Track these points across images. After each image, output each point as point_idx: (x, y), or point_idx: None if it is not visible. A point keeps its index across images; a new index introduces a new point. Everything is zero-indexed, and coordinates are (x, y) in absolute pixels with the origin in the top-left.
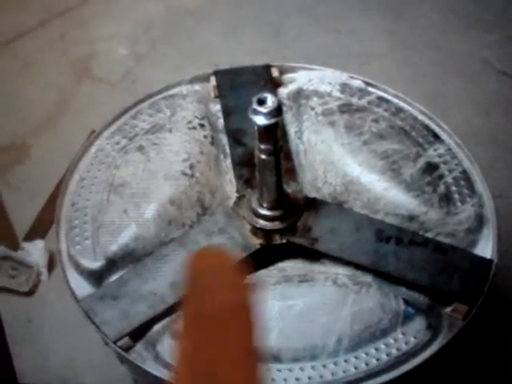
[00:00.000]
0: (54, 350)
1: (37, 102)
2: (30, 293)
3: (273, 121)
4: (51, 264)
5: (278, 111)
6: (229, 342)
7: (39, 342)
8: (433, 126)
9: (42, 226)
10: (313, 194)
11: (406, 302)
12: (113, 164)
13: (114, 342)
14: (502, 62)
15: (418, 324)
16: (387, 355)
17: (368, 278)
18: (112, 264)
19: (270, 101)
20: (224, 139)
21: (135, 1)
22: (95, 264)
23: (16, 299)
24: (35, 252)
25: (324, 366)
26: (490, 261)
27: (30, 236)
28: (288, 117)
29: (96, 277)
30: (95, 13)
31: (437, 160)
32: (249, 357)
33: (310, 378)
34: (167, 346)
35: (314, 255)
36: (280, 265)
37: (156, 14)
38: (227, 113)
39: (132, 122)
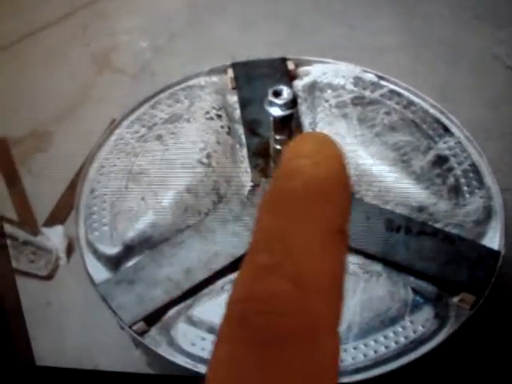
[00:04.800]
0: (71, 332)
1: (59, 91)
2: (48, 277)
3: (288, 112)
4: (70, 249)
5: (293, 103)
6: (313, 220)
7: (57, 325)
8: (443, 119)
9: (62, 212)
10: None
11: (415, 291)
12: (132, 152)
13: (130, 327)
14: (511, 58)
15: (426, 313)
16: (396, 343)
17: (378, 267)
18: (129, 250)
19: (286, 93)
20: (240, 129)
21: None
22: (112, 250)
23: (35, 283)
24: (54, 237)
25: None
26: (497, 252)
27: (50, 222)
28: (303, 108)
29: (113, 262)
30: (117, 6)
31: (447, 153)
32: (333, 239)
33: None
34: (181, 331)
35: None
36: None
37: (175, 8)
38: (244, 104)
39: (151, 112)
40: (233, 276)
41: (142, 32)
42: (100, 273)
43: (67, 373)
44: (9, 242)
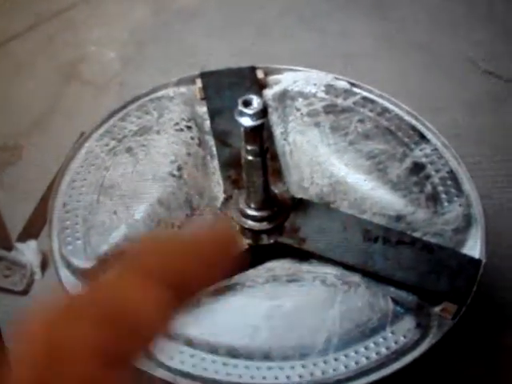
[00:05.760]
0: None
1: (28, 105)
2: (24, 292)
3: (258, 122)
4: (44, 264)
5: (263, 112)
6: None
7: None
8: (419, 126)
9: (35, 227)
10: (300, 195)
11: (395, 301)
12: (102, 165)
13: None
14: (487, 61)
15: (408, 323)
16: (377, 354)
17: (356, 278)
18: (103, 264)
19: (256, 102)
20: (211, 141)
21: (123, 4)
22: (87, 263)
23: (10, 298)
24: (28, 252)
25: (314, 365)
26: (478, 260)
27: (23, 236)
28: (274, 118)
29: (88, 276)
30: (83, 16)
31: (423, 160)
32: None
33: (300, 376)
34: (159, 345)
35: (302, 255)
36: (268, 264)
37: (142, 18)
38: (213, 114)
39: (120, 124)
40: (207, 289)
41: (109, 42)
42: (75, 287)
43: None
44: None
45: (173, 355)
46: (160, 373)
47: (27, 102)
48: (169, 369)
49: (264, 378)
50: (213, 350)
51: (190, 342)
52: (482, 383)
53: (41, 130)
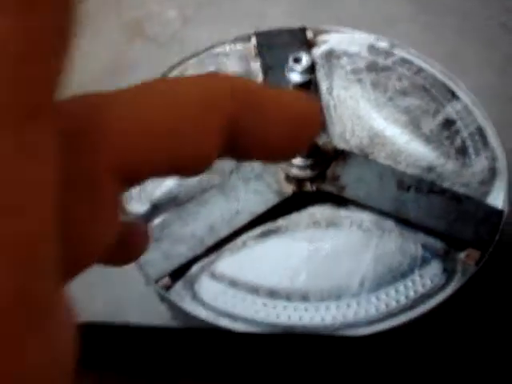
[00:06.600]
0: (99, 288)
1: (93, 58)
2: None
3: (307, 78)
4: None
5: (311, 69)
6: None
7: (85, 281)
8: (451, 84)
9: None
10: (341, 146)
11: (424, 247)
12: None
13: (156, 282)
14: None
15: (435, 268)
16: (406, 297)
17: (390, 224)
18: (156, 208)
19: (305, 60)
20: None
21: None
22: (141, 208)
23: None
24: None
25: (348, 306)
26: (500, 211)
27: None
28: (320, 75)
29: (141, 220)
30: None
31: (454, 116)
32: None
33: (334, 317)
34: (204, 286)
35: (341, 202)
36: (310, 210)
37: None
38: (266, 70)
39: None
40: (253, 233)
41: (170, 2)
42: None
43: (95, 327)
44: None
45: (216, 295)
46: (203, 313)
47: (92, 57)
48: (212, 308)
49: (300, 318)
50: (254, 291)
51: (233, 283)
52: (503, 325)
53: (105, 82)
